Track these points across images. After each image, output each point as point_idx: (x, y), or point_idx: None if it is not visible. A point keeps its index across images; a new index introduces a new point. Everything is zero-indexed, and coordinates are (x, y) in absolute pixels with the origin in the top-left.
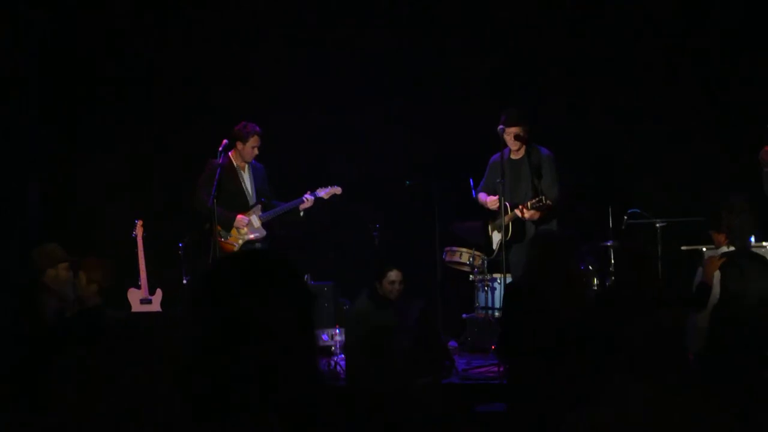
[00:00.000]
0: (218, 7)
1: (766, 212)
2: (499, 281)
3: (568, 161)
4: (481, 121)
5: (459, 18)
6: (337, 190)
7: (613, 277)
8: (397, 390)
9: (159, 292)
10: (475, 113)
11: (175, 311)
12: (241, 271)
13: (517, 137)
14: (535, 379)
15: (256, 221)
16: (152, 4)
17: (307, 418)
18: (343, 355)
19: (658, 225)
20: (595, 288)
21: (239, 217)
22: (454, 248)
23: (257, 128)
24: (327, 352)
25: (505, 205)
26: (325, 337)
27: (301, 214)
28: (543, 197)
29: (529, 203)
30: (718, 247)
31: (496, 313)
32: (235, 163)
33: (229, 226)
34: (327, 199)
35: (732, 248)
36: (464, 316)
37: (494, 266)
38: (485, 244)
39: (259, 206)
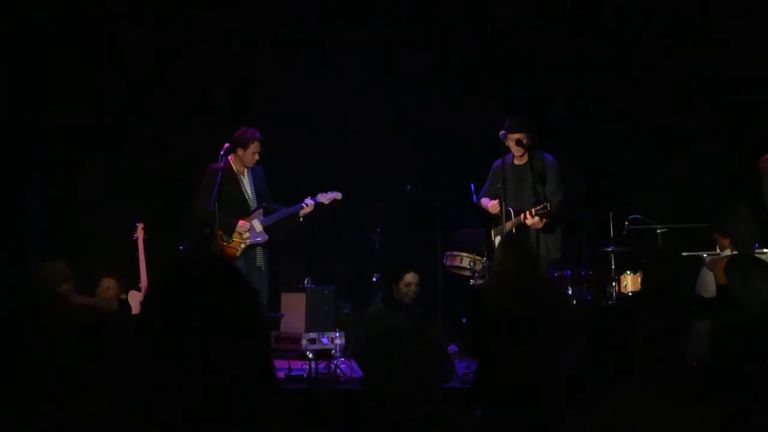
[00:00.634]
0: (218, 7)
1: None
2: None
3: (568, 166)
4: (483, 126)
5: (459, 18)
6: (338, 195)
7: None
8: (410, 394)
9: None
10: (477, 117)
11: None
12: (173, 278)
13: (518, 143)
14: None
15: (258, 225)
16: (152, 4)
17: (260, 422)
18: (343, 358)
19: (659, 231)
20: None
21: (241, 222)
22: (455, 253)
23: (258, 134)
24: (327, 355)
25: (508, 211)
26: (325, 340)
27: (301, 219)
28: (547, 204)
29: (533, 209)
30: (722, 251)
31: None
32: (235, 168)
33: (231, 230)
34: (327, 204)
35: (735, 252)
36: (465, 320)
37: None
38: (488, 249)
39: (261, 211)
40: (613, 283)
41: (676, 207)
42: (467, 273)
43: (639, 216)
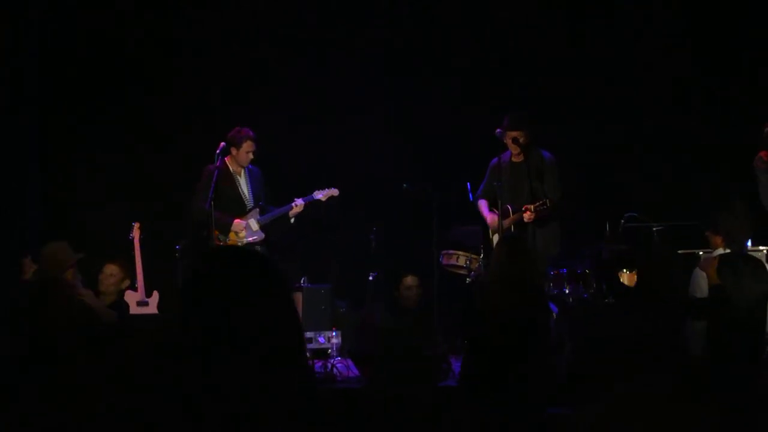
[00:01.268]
0: (218, 7)
1: (763, 216)
2: None
3: (564, 164)
4: (481, 124)
5: (459, 17)
6: (334, 191)
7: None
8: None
9: (156, 295)
10: (473, 116)
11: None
12: (221, 270)
13: (515, 141)
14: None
15: (254, 224)
16: (152, 4)
17: (304, 418)
18: (339, 357)
19: (655, 229)
20: (592, 291)
21: (236, 221)
22: (451, 251)
23: (251, 133)
24: (323, 354)
25: (506, 209)
26: (321, 339)
27: (292, 220)
28: (547, 200)
29: (532, 206)
30: (714, 249)
31: None
32: (231, 168)
33: (226, 230)
34: (324, 201)
35: (728, 250)
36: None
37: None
38: (485, 248)
39: (257, 210)
40: (610, 281)
41: (672, 204)
42: (464, 272)
43: (635, 213)
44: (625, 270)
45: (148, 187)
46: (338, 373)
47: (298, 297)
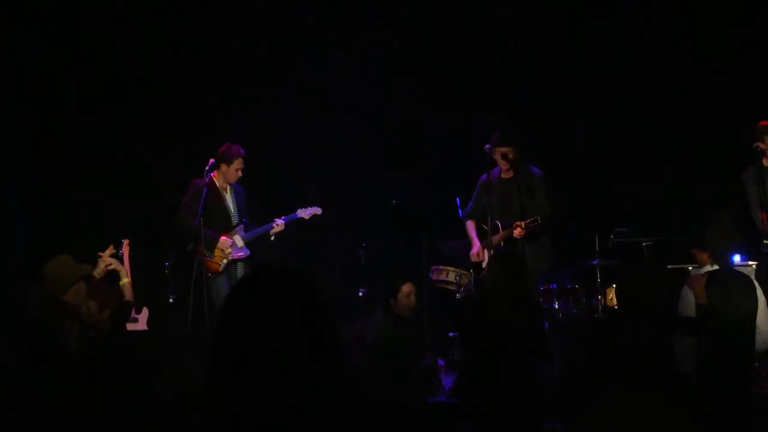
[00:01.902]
0: (218, 7)
1: (751, 232)
2: None
3: (554, 179)
4: (469, 140)
5: (459, 17)
6: (317, 210)
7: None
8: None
9: (145, 311)
10: (463, 132)
11: (161, 329)
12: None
13: (504, 157)
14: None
15: (239, 241)
16: (152, 4)
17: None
18: None
19: (644, 244)
20: (582, 307)
21: (223, 238)
22: (441, 267)
23: (242, 150)
24: None
25: (496, 224)
26: None
27: (272, 238)
28: (537, 217)
29: (522, 223)
30: (701, 266)
31: None
32: (218, 184)
33: (212, 246)
34: (308, 219)
35: (715, 267)
36: (451, 334)
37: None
38: (474, 263)
39: (242, 226)
40: (599, 297)
41: (661, 220)
42: (453, 287)
43: (624, 229)
44: (614, 285)
45: (148, 188)
46: None
47: None
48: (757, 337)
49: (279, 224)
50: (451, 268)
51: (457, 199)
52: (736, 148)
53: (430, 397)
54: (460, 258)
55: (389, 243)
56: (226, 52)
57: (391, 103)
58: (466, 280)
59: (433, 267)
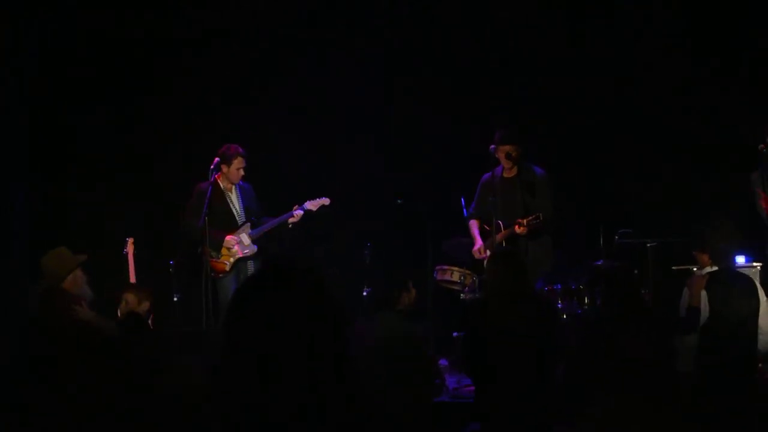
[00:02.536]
0: (218, 7)
1: (754, 233)
2: None
3: (554, 179)
4: (473, 139)
5: (459, 17)
6: (325, 201)
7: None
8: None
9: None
10: (464, 132)
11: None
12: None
13: (508, 156)
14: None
15: (246, 239)
16: (152, 4)
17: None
18: None
19: (648, 245)
20: (586, 307)
21: (228, 237)
22: (445, 267)
23: (240, 150)
24: None
25: (498, 224)
26: None
27: (290, 225)
28: (540, 214)
29: (525, 221)
30: (702, 267)
31: None
32: (222, 185)
33: (218, 246)
34: (315, 211)
35: (716, 268)
36: (455, 334)
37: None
38: (473, 262)
39: (248, 224)
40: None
41: (666, 220)
42: (457, 287)
43: (629, 230)
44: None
45: (148, 187)
46: None
47: None
48: (760, 338)
49: (298, 214)
50: (456, 268)
51: (462, 199)
52: (736, 148)
53: (434, 398)
54: (465, 258)
55: (393, 243)
56: (226, 52)
57: (391, 103)
58: (470, 280)
59: (438, 267)
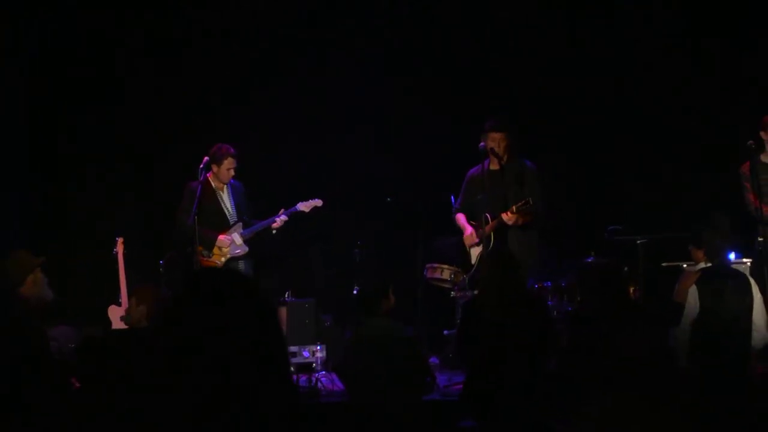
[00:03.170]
0: (218, 7)
1: (746, 229)
2: None
3: (554, 178)
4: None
5: (459, 17)
6: (318, 202)
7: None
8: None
9: None
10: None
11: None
12: (199, 291)
13: (497, 146)
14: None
15: (238, 239)
16: (152, 4)
17: None
18: (324, 372)
19: (638, 241)
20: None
21: (221, 237)
22: (435, 265)
23: (231, 150)
24: (308, 368)
25: (486, 217)
26: (306, 353)
27: (274, 232)
28: (529, 199)
29: (514, 207)
30: (697, 263)
31: None
32: (213, 185)
33: (210, 245)
34: (308, 212)
35: (709, 264)
36: (445, 332)
37: (476, 283)
38: (462, 260)
39: (240, 224)
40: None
41: (656, 217)
42: (448, 285)
43: (619, 227)
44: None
45: (148, 187)
46: (323, 388)
47: (283, 311)
48: (754, 335)
49: (282, 219)
50: (446, 266)
51: (452, 197)
52: (736, 148)
53: (425, 396)
54: (456, 256)
55: (384, 241)
56: (226, 52)
57: (391, 103)
58: (461, 278)
59: (428, 265)
